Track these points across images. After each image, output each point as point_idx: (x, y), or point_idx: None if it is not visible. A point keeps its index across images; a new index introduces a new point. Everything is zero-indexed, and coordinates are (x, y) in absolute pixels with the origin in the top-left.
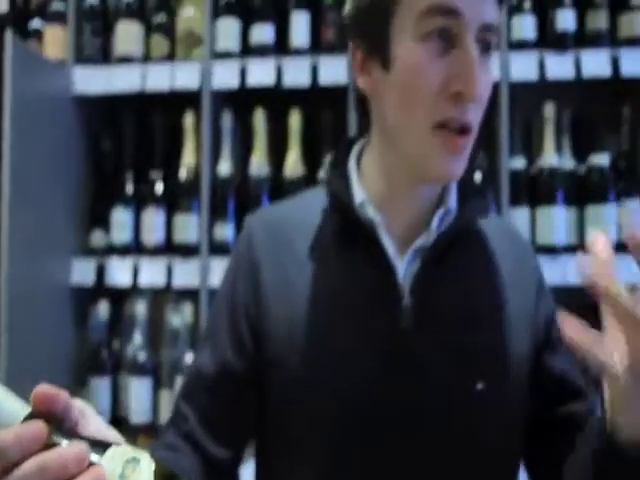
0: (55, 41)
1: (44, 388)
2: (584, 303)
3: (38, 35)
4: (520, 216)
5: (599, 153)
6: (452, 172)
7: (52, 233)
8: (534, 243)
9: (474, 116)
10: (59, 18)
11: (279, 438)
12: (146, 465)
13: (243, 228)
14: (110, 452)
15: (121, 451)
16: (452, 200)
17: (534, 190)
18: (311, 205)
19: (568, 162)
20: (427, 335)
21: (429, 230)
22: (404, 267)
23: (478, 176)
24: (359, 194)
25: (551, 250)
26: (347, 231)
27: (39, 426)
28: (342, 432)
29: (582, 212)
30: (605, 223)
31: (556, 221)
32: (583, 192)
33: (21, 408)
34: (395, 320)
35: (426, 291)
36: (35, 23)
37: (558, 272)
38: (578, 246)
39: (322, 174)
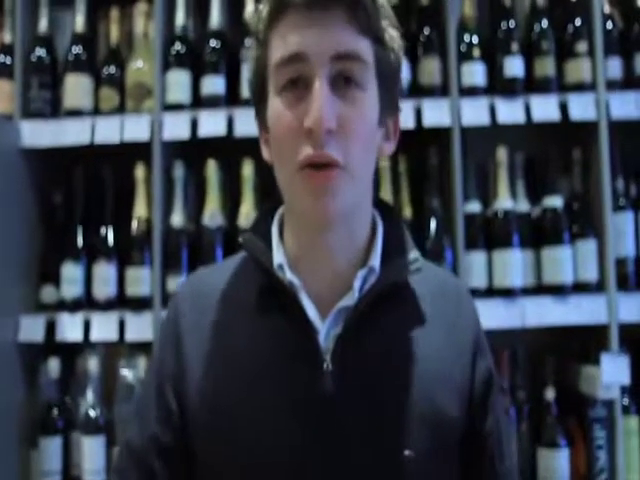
0: (1, 95)
1: None
2: (541, 344)
3: None
4: (476, 260)
5: (552, 195)
6: (322, 209)
7: (1, 289)
8: (491, 286)
9: (341, 151)
10: (5, 71)
11: None
12: None
13: (171, 299)
14: None
15: None
16: (375, 259)
17: (490, 233)
18: (235, 269)
19: (522, 205)
20: (350, 402)
21: (351, 291)
22: (326, 329)
23: (432, 222)
24: (278, 257)
25: (508, 292)
26: (267, 293)
27: None
28: None
29: (538, 254)
30: (561, 264)
31: (512, 264)
32: (538, 234)
33: None
34: (316, 386)
35: (349, 355)
36: None
37: (515, 314)
38: (535, 288)
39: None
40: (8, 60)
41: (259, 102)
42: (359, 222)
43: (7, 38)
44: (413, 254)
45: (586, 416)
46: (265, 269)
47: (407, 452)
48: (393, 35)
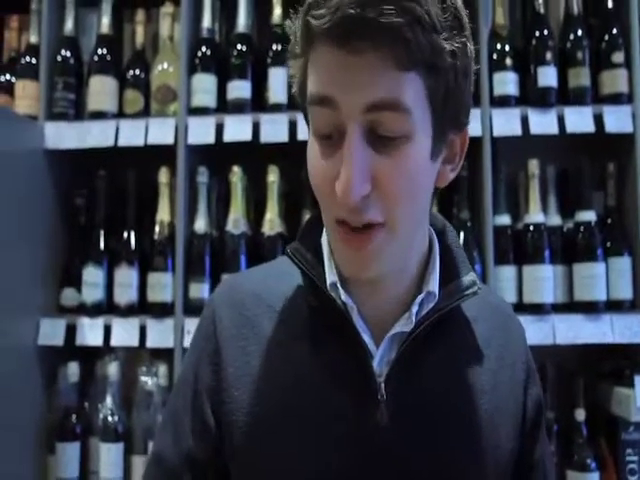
0: (26, 95)
1: None
2: (572, 363)
3: (9, 88)
4: (506, 274)
5: (585, 210)
6: (357, 269)
7: (21, 291)
8: (520, 302)
9: (381, 211)
10: (30, 72)
11: None
12: None
13: (207, 305)
14: None
15: None
16: (434, 282)
17: (520, 248)
18: (280, 279)
19: (554, 219)
20: (403, 432)
21: (408, 315)
22: (380, 354)
23: (461, 235)
24: (331, 274)
25: (539, 308)
26: (319, 313)
27: None
28: None
29: (570, 270)
30: (594, 281)
31: (543, 279)
32: (570, 250)
33: None
34: (369, 414)
35: (403, 383)
36: (5, 77)
37: (546, 331)
38: (566, 305)
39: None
40: (34, 61)
41: (305, 113)
42: (413, 255)
43: (33, 39)
44: (470, 277)
45: (618, 439)
46: (318, 288)
47: None
48: (455, 48)
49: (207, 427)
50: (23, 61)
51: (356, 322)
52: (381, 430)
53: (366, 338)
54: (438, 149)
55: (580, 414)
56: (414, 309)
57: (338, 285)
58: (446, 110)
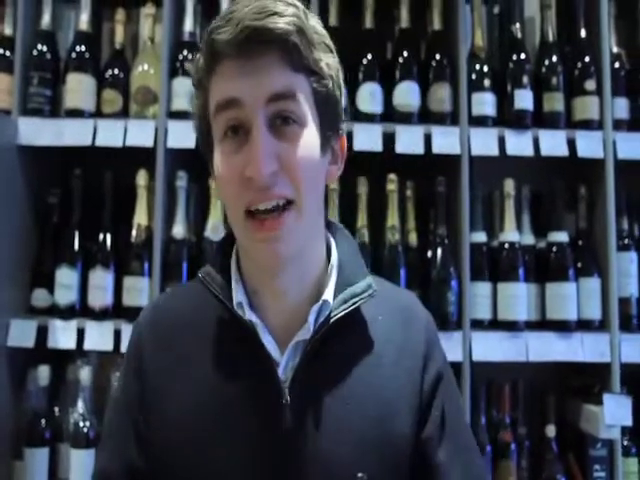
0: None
1: None
2: (543, 380)
3: None
4: (481, 291)
5: (558, 230)
6: (273, 255)
7: None
8: (495, 318)
9: (288, 187)
10: (4, 65)
11: None
12: None
13: (133, 328)
14: None
15: None
16: (328, 293)
17: (495, 265)
18: (196, 298)
19: (528, 238)
20: (306, 433)
21: (306, 325)
22: (284, 362)
23: (439, 250)
24: (238, 294)
25: (512, 326)
26: (229, 329)
27: None
28: None
29: (542, 289)
30: (565, 301)
31: (517, 297)
32: (543, 269)
33: None
34: (275, 419)
35: (305, 386)
36: None
37: (519, 348)
38: (539, 322)
39: None
40: (7, 53)
41: (207, 151)
42: (311, 258)
43: (7, 30)
44: (365, 282)
45: (586, 455)
46: (225, 307)
47: (360, 474)
48: (330, 62)
49: (141, 438)
50: None
51: (262, 335)
52: (286, 432)
53: (271, 349)
54: (324, 146)
55: (551, 430)
56: (311, 318)
57: (244, 304)
58: (327, 111)
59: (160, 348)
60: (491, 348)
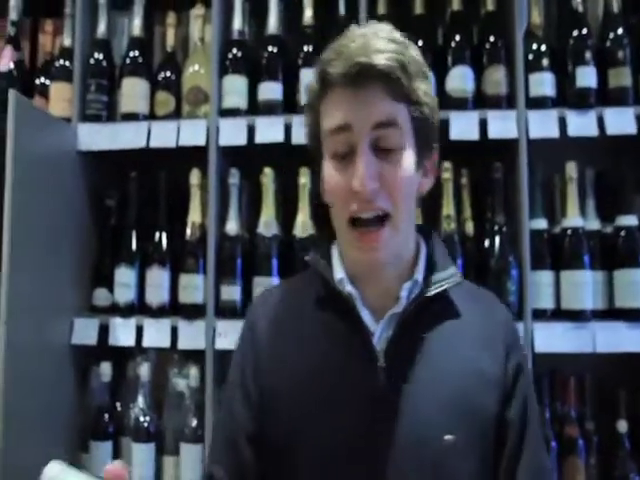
0: (60, 97)
1: (115, 467)
2: (612, 372)
3: (44, 92)
4: (543, 279)
5: (626, 214)
6: (370, 259)
7: (54, 291)
8: (558, 308)
9: (387, 202)
10: (65, 75)
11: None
12: None
13: (248, 312)
14: None
15: None
16: (419, 272)
17: (557, 252)
18: (300, 286)
19: (593, 223)
20: (399, 392)
21: (399, 300)
22: (379, 332)
23: (497, 239)
24: (339, 272)
25: (577, 315)
26: (330, 303)
27: None
28: (327, 473)
29: (610, 276)
30: (636, 288)
31: (582, 285)
32: (610, 255)
33: None
34: (372, 379)
35: (398, 353)
36: (41, 80)
37: (585, 339)
38: (606, 312)
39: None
40: (67, 63)
41: (317, 155)
42: (404, 249)
43: (67, 42)
44: (451, 270)
45: None
46: (327, 282)
47: (447, 437)
48: (426, 89)
49: (253, 404)
50: (57, 64)
51: (359, 308)
52: (381, 389)
53: (367, 320)
54: (419, 164)
55: (622, 426)
56: (403, 294)
57: (345, 280)
58: (423, 134)
59: (271, 323)
60: (555, 339)
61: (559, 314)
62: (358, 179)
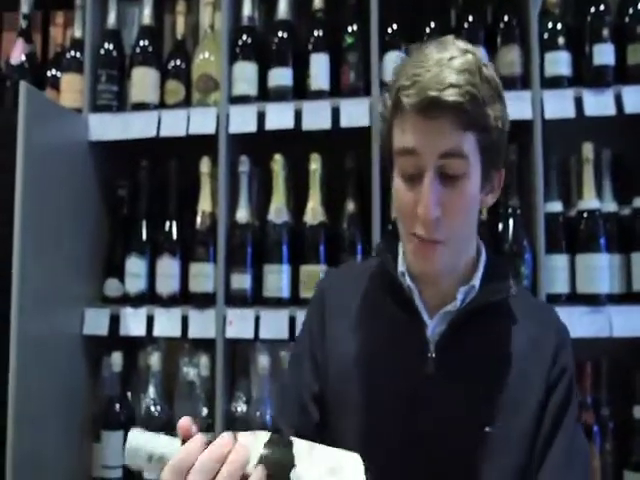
0: (71, 89)
1: (186, 420)
2: (628, 357)
3: (55, 83)
4: (558, 263)
5: None
6: (424, 271)
7: (65, 281)
8: (574, 292)
9: (445, 231)
10: (76, 66)
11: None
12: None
13: (317, 286)
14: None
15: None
16: (477, 279)
17: (573, 235)
18: (365, 271)
19: (610, 205)
20: (445, 381)
21: (455, 301)
22: (432, 326)
23: (510, 222)
24: (401, 266)
25: (593, 299)
26: (391, 293)
27: (225, 440)
28: (372, 460)
29: (627, 259)
30: None
31: (598, 268)
32: (627, 238)
33: (173, 439)
34: (422, 368)
35: (449, 347)
36: (52, 72)
37: (601, 323)
38: (623, 295)
39: (344, 222)
40: (78, 55)
41: (389, 165)
42: (461, 260)
43: (77, 33)
44: (509, 283)
45: None
46: (391, 274)
47: (487, 429)
48: (497, 114)
49: (318, 367)
50: (68, 55)
51: (417, 301)
52: (430, 378)
53: (423, 313)
54: (484, 185)
55: (638, 411)
56: (459, 296)
57: (406, 274)
58: (491, 157)
59: (336, 300)
60: (570, 323)
61: (574, 298)
62: (423, 207)
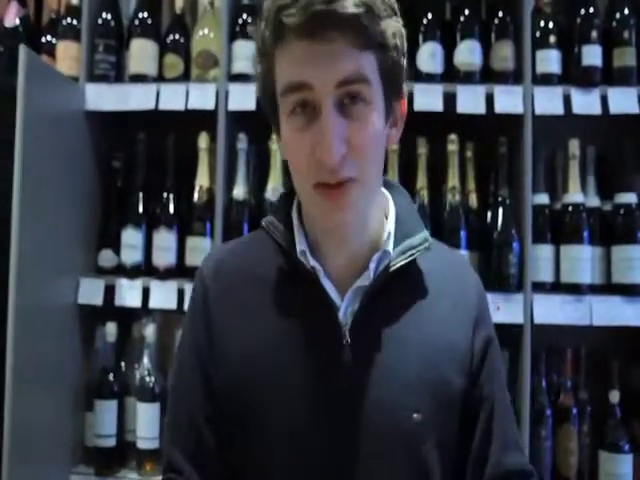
0: (67, 56)
1: None
2: (606, 345)
3: (50, 50)
4: (544, 253)
5: (626, 192)
6: (337, 220)
7: (60, 250)
8: (557, 281)
9: (355, 168)
10: (72, 34)
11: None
12: None
13: (197, 277)
14: None
15: None
16: (388, 244)
17: (558, 227)
18: (256, 248)
19: (593, 200)
20: (365, 370)
21: (367, 272)
22: (344, 306)
23: (499, 212)
24: (300, 243)
25: (576, 289)
26: (290, 276)
27: None
28: (291, 456)
29: (608, 251)
30: (632, 264)
31: (581, 259)
32: (609, 231)
33: None
34: (337, 357)
35: (365, 328)
36: (47, 38)
37: (582, 312)
38: (604, 286)
39: None
40: (75, 22)
41: (272, 115)
42: (371, 213)
43: (74, 0)
44: (422, 235)
45: None
46: (289, 254)
47: (415, 415)
48: (395, 31)
49: (208, 380)
50: (64, 22)
51: (323, 281)
52: (346, 368)
53: (332, 294)
54: (388, 114)
55: (614, 396)
56: (372, 265)
57: (307, 252)
58: (391, 80)
59: (224, 296)
60: (553, 311)
61: (558, 287)
62: (325, 149)
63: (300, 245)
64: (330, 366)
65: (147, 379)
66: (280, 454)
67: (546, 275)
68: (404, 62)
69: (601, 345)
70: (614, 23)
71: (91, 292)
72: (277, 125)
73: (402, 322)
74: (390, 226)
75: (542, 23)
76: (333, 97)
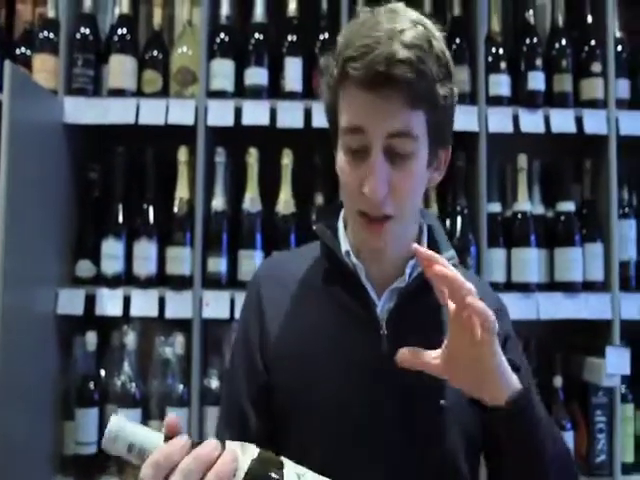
0: (44, 69)
1: (174, 418)
2: (550, 337)
3: (25, 61)
4: (497, 256)
5: (565, 201)
6: (374, 247)
7: (38, 262)
8: (509, 281)
9: (394, 207)
10: (50, 47)
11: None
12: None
13: (252, 279)
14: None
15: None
16: None
17: (509, 232)
18: (305, 256)
19: (539, 208)
20: None
21: (403, 276)
22: (382, 304)
23: (458, 220)
24: (344, 244)
25: (525, 287)
26: (335, 275)
27: (213, 446)
28: (332, 437)
29: (551, 253)
30: (572, 264)
31: (529, 261)
32: (552, 235)
33: (156, 434)
34: (375, 347)
35: (399, 323)
36: (21, 49)
37: (531, 308)
38: (548, 284)
39: (313, 213)
40: (52, 36)
41: (333, 133)
42: (407, 235)
43: (51, 13)
44: (451, 252)
45: (589, 402)
46: (334, 254)
47: (442, 402)
48: (447, 92)
49: (258, 373)
50: (41, 35)
51: (363, 280)
52: (383, 356)
53: (371, 292)
54: (431, 162)
55: (558, 381)
56: (407, 270)
57: (351, 252)
58: (438, 134)
59: (275, 294)
60: None
61: (509, 286)
62: (370, 187)
63: (344, 246)
64: (369, 354)
65: (128, 385)
66: (328, 426)
67: (500, 275)
68: (453, 118)
69: (547, 337)
70: (554, 52)
71: (71, 302)
72: (335, 141)
73: (431, 319)
74: (424, 239)
75: (494, 50)
76: (382, 144)
